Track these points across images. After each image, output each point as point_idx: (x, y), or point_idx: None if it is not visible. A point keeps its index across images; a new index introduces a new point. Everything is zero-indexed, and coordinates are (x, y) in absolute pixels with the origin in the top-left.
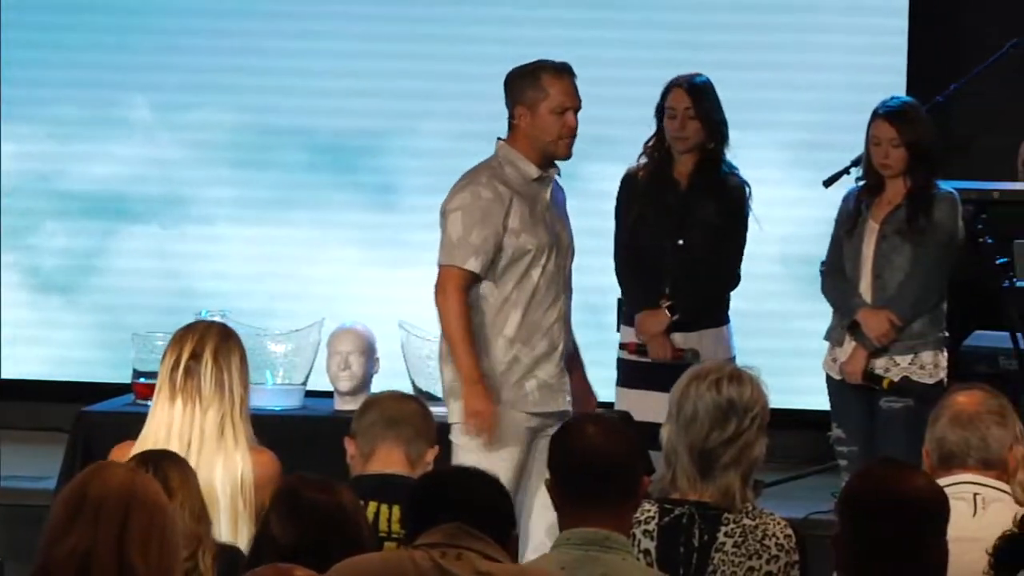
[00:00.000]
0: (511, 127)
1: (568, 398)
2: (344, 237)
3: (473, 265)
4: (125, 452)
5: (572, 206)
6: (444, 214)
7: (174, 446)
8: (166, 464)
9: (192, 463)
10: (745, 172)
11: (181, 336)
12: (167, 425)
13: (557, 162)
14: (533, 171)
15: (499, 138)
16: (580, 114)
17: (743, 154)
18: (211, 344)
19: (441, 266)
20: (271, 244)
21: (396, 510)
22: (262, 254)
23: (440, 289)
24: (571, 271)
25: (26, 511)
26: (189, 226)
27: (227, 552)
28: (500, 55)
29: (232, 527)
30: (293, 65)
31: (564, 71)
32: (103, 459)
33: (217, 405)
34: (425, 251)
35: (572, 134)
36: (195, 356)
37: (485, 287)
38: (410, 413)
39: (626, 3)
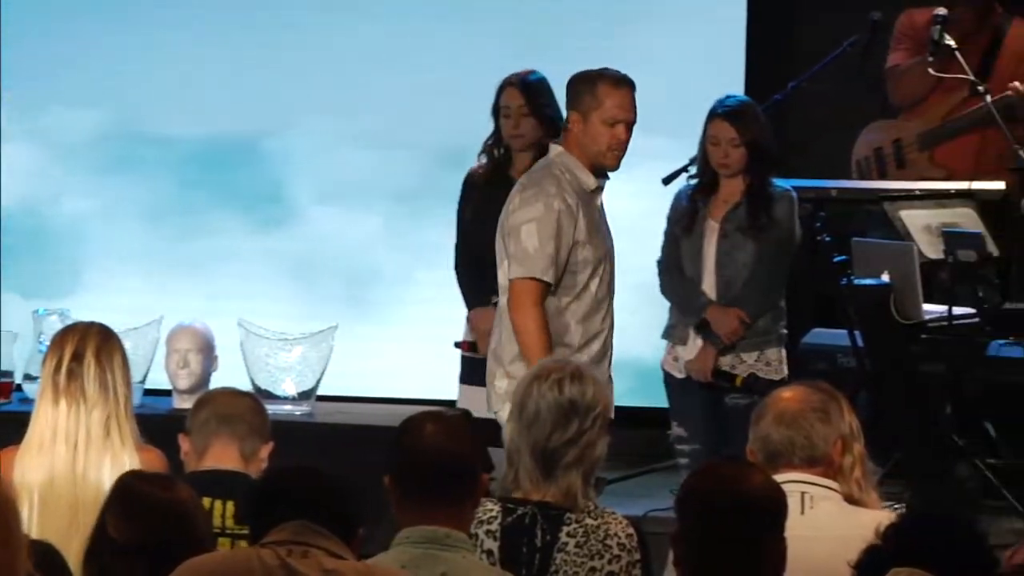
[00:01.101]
0: (565, 131)
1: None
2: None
3: (551, 277)
4: (10, 456)
5: None
6: (516, 227)
7: (60, 447)
8: None
9: (80, 464)
10: None
11: (61, 338)
12: (52, 427)
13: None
14: (591, 181)
15: (553, 142)
16: None
17: None
18: (92, 345)
19: (516, 279)
20: None
21: (230, 506)
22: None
23: (519, 303)
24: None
25: None
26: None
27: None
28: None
29: None
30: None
31: (623, 83)
32: None
33: (102, 405)
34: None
35: (621, 147)
36: (77, 357)
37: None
38: (244, 409)
39: (467, 4)
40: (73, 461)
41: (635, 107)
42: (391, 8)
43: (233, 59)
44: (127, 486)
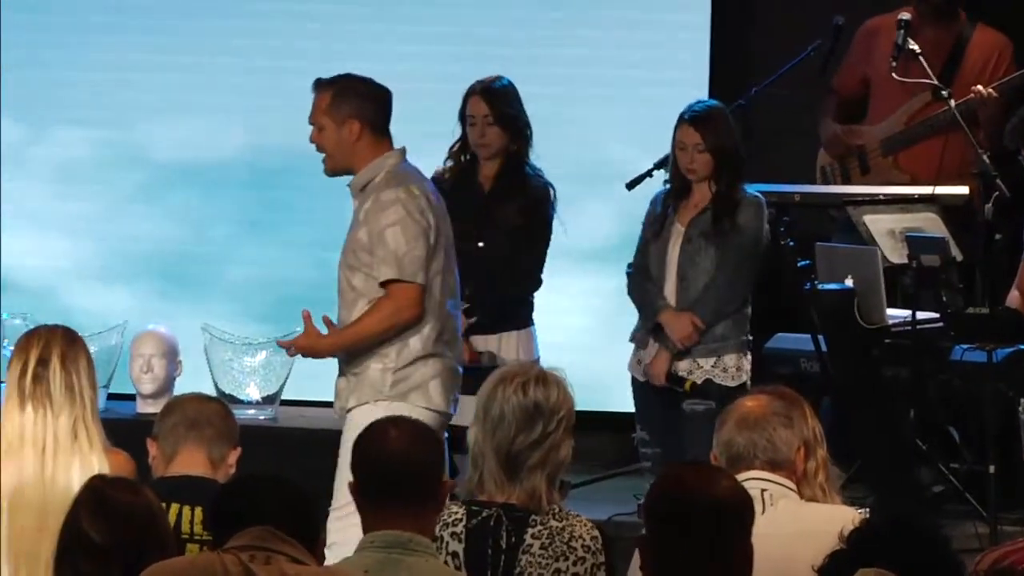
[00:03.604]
0: None
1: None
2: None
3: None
4: None
5: None
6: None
7: (28, 452)
8: None
9: (48, 468)
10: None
11: (26, 342)
12: (19, 432)
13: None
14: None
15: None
16: None
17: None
18: (57, 349)
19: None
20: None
21: (198, 512)
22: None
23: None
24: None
25: None
26: None
27: None
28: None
29: None
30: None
31: None
32: None
33: (68, 409)
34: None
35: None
36: (42, 362)
37: None
38: (212, 414)
39: (428, 4)
40: (42, 465)
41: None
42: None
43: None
44: (98, 488)
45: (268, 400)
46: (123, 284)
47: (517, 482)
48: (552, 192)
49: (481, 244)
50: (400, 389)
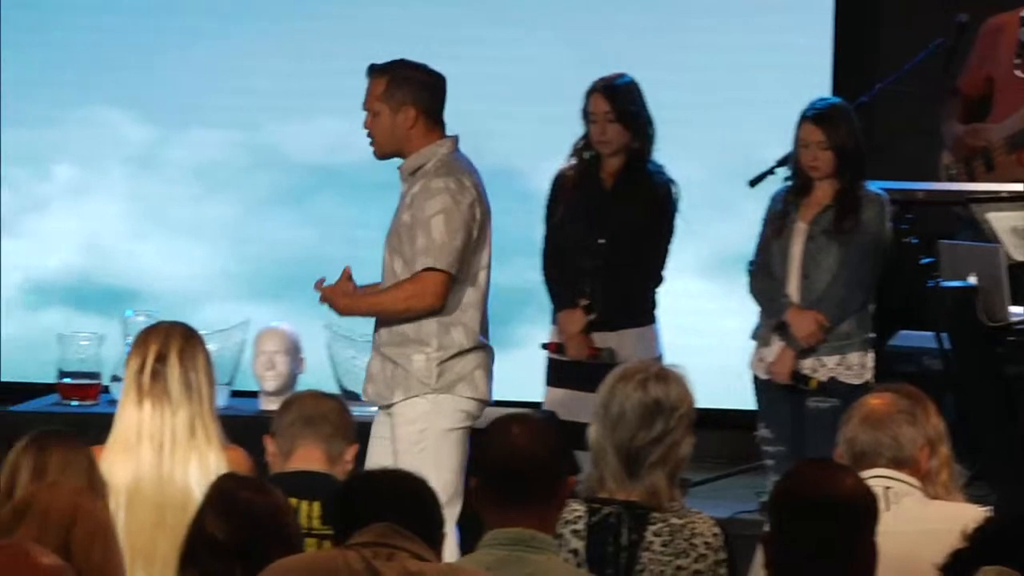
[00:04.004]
0: None
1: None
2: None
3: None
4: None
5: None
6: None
7: (145, 448)
8: (52, 445)
9: (165, 464)
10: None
11: (144, 339)
12: (136, 428)
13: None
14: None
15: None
16: None
17: (668, 152)
18: (176, 345)
19: None
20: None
21: (316, 506)
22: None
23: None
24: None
25: None
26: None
27: None
28: None
29: None
30: None
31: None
32: None
33: (186, 406)
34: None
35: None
36: (160, 358)
37: None
38: (328, 411)
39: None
40: (159, 462)
41: (368, 94)
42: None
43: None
44: (225, 488)
45: None
46: (254, 285)
47: (637, 479)
48: (675, 189)
49: (602, 241)
50: (447, 380)
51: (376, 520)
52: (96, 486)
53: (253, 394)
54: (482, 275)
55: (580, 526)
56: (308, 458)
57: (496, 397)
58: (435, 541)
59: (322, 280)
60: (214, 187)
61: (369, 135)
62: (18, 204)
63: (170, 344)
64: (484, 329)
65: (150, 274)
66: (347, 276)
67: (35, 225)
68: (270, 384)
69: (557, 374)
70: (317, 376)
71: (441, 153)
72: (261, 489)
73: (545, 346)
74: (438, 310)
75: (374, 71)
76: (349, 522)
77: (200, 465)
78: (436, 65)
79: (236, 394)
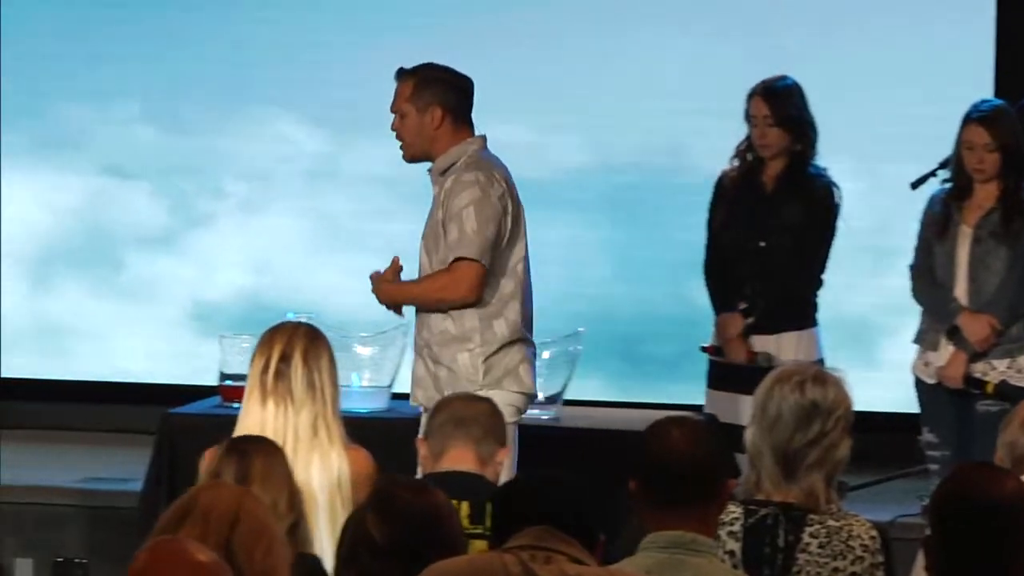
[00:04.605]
0: None
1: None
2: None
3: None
4: (214, 456)
5: None
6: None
7: None
8: (253, 451)
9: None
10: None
11: (269, 338)
12: (259, 427)
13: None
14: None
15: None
16: None
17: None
18: (300, 345)
19: None
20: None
21: (465, 506)
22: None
23: None
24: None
25: (111, 513)
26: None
27: (306, 560)
28: None
29: (330, 526)
30: None
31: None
32: (190, 462)
33: (309, 406)
34: None
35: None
36: (284, 358)
37: None
38: (479, 413)
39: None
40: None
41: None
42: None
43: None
44: (386, 490)
45: (551, 400)
46: None
47: (794, 481)
48: (836, 192)
49: (763, 244)
50: (494, 376)
51: (534, 523)
52: (294, 493)
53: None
54: (520, 268)
55: (736, 528)
56: (459, 459)
57: (655, 400)
58: (593, 544)
59: (377, 271)
60: (394, 200)
61: (399, 137)
62: (184, 218)
63: (294, 344)
64: (527, 322)
65: (325, 291)
66: (395, 267)
67: (201, 241)
68: None
69: (717, 377)
70: None
71: (471, 151)
72: (422, 490)
73: (704, 349)
74: (473, 302)
75: (402, 74)
76: (507, 525)
77: (322, 465)
78: (615, 68)
79: (397, 396)
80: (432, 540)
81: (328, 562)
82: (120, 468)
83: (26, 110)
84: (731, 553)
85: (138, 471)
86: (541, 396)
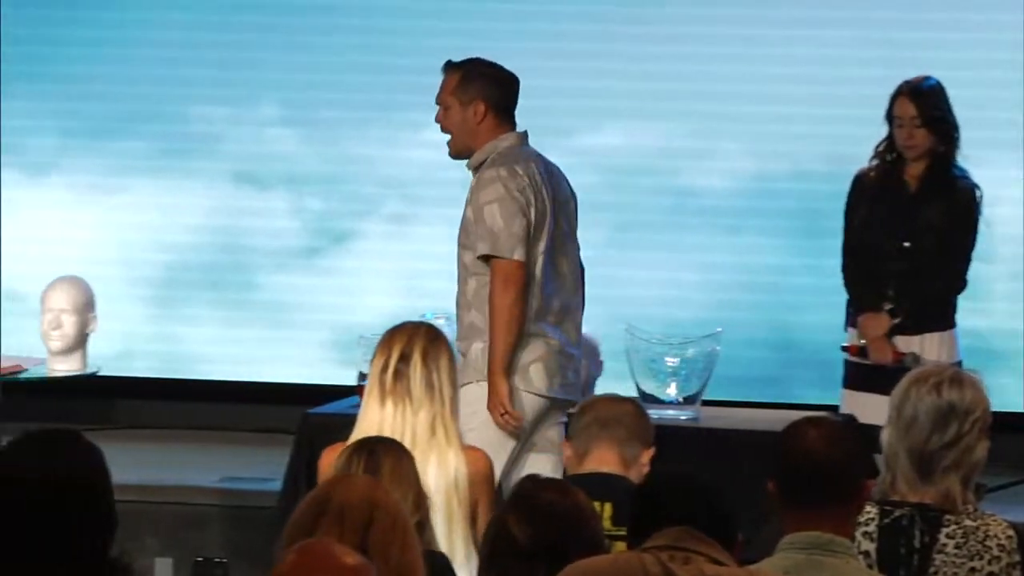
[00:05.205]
0: None
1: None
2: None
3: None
4: (332, 455)
5: None
6: None
7: None
8: (381, 450)
9: None
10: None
11: (389, 338)
12: (377, 427)
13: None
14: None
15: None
16: None
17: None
18: (419, 346)
19: None
20: None
21: (608, 507)
22: None
23: None
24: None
25: (251, 513)
26: (414, 227)
27: (435, 558)
28: None
29: (447, 526)
30: None
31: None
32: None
33: (428, 406)
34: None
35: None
36: (404, 358)
37: None
38: (624, 414)
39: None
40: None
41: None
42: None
43: None
44: (528, 491)
45: (689, 400)
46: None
47: (930, 483)
48: (978, 193)
49: (907, 244)
50: None
51: (673, 523)
52: (420, 493)
53: None
54: (540, 263)
55: (871, 528)
56: (602, 460)
57: (791, 400)
58: (731, 545)
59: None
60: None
61: (444, 130)
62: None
63: (414, 344)
64: (550, 320)
65: None
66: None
67: (345, 259)
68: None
69: (856, 377)
70: (615, 379)
71: (502, 147)
72: (564, 491)
73: (845, 349)
74: (524, 296)
75: (449, 67)
76: (644, 525)
77: (439, 465)
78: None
79: None
80: (574, 541)
81: None
82: (260, 468)
83: (152, 115)
84: (866, 554)
85: (278, 471)
86: (679, 396)
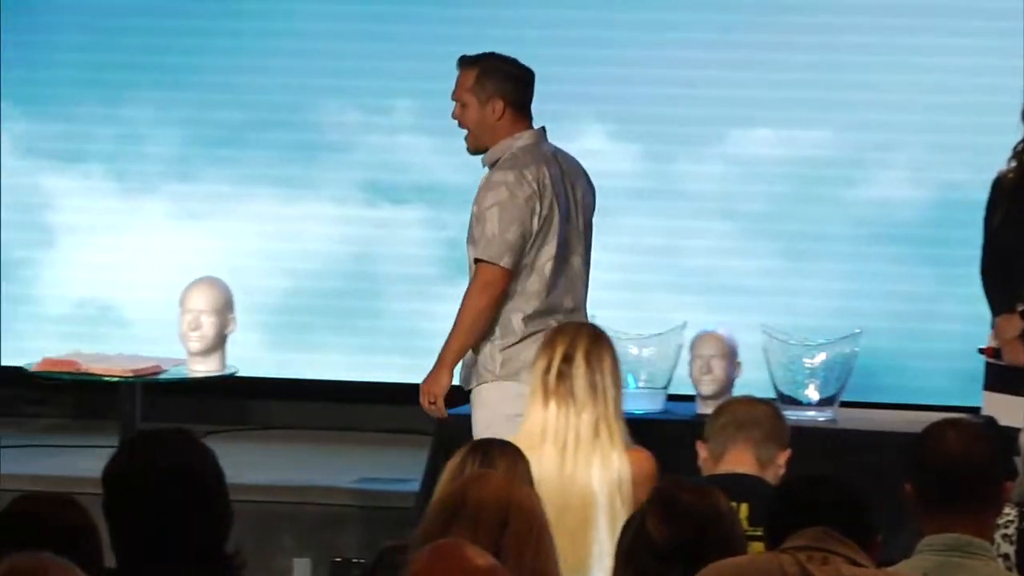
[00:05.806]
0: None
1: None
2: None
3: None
4: None
5: None
6: None
7: (549, 448)
8: (495, 452)
9: (568, 464)
10: None
11: (552, 339)
12: (541, 428)
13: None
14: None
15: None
16: None
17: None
18: (582, 346)
19: None
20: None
21: (744, 507)
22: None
23: None
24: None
25: (388, 513)
26: None
27: None
28: None
29: (610, 526)
30: None
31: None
32: None
33: (591, 407)
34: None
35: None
36: (567, 359)
37: None
38: (760, 416)
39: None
40: (561, 462)
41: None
42: None
43: None
44: (669, 492)
45: (827, 401)
46: (687, 288)
47: None
48: None
49: None
50: (511, 368)
51: (810, 524)
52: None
53: (689, 398)
54: (549, 266)
55: (1011, 531)
56: (738, 461)
57: (931, 402)
58: (869, 545)
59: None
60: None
61: (461, 126)
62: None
63: (577, 345)
64: (554, 314)
65: None
66: None
67: None
68: (707, 388)
69: (995, 378)
70: (754, 380)
71: (516, 146)
72: (704, 492)
73: (982, 351)
74: (497, 303)
75: (465, 62)
76: (782, 526)
77: (603, 466)
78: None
79: (672, 398)
80: (712, 542)
81: (608, 561)
82: (397, 468)
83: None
84: (1005, 556)
85: (415, 471)
86: (818, 397)
